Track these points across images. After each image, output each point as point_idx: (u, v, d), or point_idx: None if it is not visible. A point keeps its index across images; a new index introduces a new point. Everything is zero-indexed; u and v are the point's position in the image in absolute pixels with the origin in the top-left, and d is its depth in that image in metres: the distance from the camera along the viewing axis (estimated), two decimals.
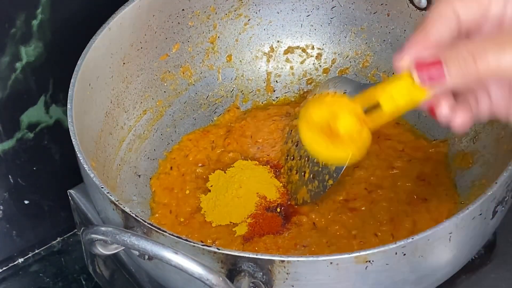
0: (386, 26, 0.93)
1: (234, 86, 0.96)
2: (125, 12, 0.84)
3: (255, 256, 0.64)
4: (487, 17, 0.57)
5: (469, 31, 0.57)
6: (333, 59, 0.97)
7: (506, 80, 0.56)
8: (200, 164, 0.89)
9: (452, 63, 0.54)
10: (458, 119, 0.57)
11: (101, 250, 0.66)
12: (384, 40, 0.94)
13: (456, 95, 0.58)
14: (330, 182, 0.84)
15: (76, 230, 1.00)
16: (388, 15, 0.92)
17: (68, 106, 0.76)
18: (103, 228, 0.65)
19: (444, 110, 0.57)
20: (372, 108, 0.60)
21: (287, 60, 0.97)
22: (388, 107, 0.59)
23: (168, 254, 0.62)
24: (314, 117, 0.62)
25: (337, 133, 0.61)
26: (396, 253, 0.65)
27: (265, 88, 0.97)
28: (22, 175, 0.94)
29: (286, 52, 0.97)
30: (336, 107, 0.61)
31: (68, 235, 1.02)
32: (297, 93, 0.97)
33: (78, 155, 0.73)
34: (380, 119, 0.60)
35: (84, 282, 0.98)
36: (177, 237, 0.65)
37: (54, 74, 0.90)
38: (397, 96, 0.58)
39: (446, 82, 0.54)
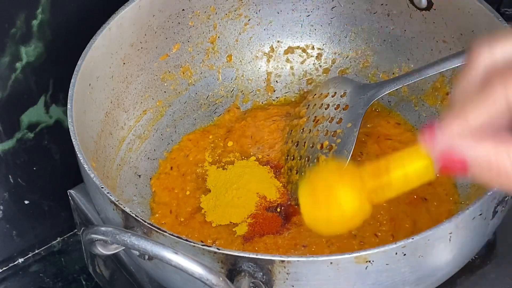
0: (386, 26, 0.93)
1: (234, 86, 0.96)
2: (125, 12, 0.84)
3: (255, 256, 0.64)
4: None
5: None
6: (333, 59, 0.97)
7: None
8: (200, 164, 0.89)
9: (475, 167, 0.51)
10: None
11: (101, 250, 0.66)
12: (384, 40, 0.94)
13: None
14: None
15: (76, 230, 1.00)
16: (388, 15, 0.92)
17: (68, 106, 0.76)
18: (103, 228, 0.65)
19: None
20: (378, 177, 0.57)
21: (287, 60, 0.97)
22: (398, 185, 0.56)
23: (168, 254, 0.62)
24: (317, 186, 0.59)
25: (337, 206, 0.58)
26: (396, 253, 0.65)
27: (265, 88, 0.97)
28: (22, 175, 0.94)
29: (286, 52, 0.97)
30: (340, 181, 0.58)
31: (68, 235, 1.02)
32: (297, 93, 0.97)
33: (78, 155, 0.73)
34: (385, 194, 0.57)
35: (84, 282, 0.98)
36: (177, 237, 0.65)
37: (54, 74, 0.90)
38: (411, 174, 0.55)
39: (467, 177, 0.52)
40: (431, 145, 0.53)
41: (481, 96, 0.51)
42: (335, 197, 0.57)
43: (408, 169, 0.54)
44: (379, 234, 0.82)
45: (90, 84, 0.81)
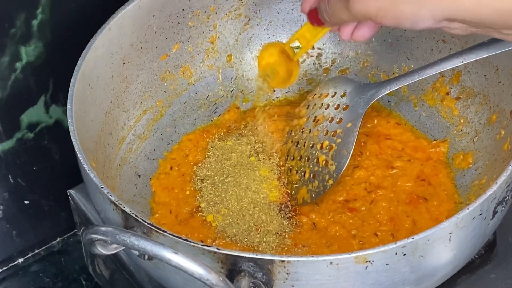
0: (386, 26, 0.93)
1: (234, 86, 0.96)
2: (125, 12, 0.84)
3: (255, 256, 0.64)
4: None
5: None
6: (333, 59, 0.97)
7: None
8: (200, 164, 0.89)
9: (320, 12, 0.72)
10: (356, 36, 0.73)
11: (101, 250, 0.66)
12: (384, 40, 0.94)
13: None
14: (330, 182, 0.84)
15: (76, 230, 1.00)
16: None
17: (68, 106, 0.76)
18: (103, 228, 0.65)
19: (343, 34, 0.73)
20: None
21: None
22: (303, 43, 0.80)
23: (168, 254, 0.62)
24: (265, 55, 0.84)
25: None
26: (396, 253, 0.65)
27: None
28: (22, 175, 0.94)
29: None
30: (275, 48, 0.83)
31: (68, 235, 1.02)
32: (297, 93, 0.97)
33: (78, 155, 0.73)
34: (300, 52, 0.81)
35: (84, 282, 0.98)
36: (177, 237, 0.65)
37: (54, 74, 0.90)
38: (306, 34, 0.79)
39: (324, 24, 0.73)
40: (303, 10, 0.76)
41: None
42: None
43: (304, 31, 0.79)
44: (379, 234, 0.82)
45: (90, 84, 0.81)
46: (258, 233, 0.83)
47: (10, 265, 0.99)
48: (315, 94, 0.92)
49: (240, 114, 0.95)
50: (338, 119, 0.87)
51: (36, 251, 1.00)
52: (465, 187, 0.85)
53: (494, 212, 0.71)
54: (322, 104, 0.90)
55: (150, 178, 0.89)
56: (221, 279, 0.62)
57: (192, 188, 0.88)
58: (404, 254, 0.65)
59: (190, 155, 0.91)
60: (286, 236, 0.83)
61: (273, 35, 0.96)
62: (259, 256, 0.64)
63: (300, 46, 0.80)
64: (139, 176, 0.88)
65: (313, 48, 0.97)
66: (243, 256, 0.64)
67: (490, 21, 0.62)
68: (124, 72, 0.87)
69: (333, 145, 0.86)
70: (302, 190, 0.86)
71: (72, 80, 0.78)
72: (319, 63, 0.97)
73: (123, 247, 0.65)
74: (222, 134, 0.93)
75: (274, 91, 0.97)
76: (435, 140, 0.90)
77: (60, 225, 1.01)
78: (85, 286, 0.98)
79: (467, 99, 0.88)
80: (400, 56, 0.93)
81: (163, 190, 0.88)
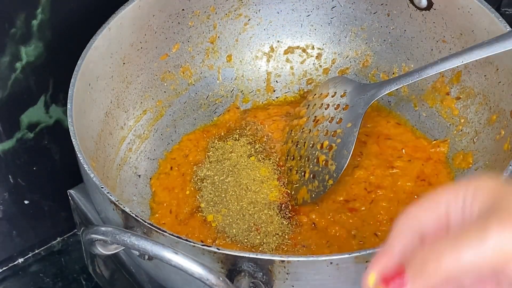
0: (386, 26, 0.93)
1: (234, 86, 0.96)
2: (125, 12, 0.84)
3: (255, 256, 0.64)
4: (449, 222, 0.54)
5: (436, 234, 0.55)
6: (333, 59, 0.97)
7: (478, 275, 0.53)
8: (200, 164, 0.89)
9: (411, 270, 0.52)
10: None
11: (101, 250, 0.67)
12: (384, 40, 0.94)
13: None
14: (330, 182, 0.84)
15: (76, 230, 1.00)
16: (388, 15, 0.92)
17: (68, 106, 0.76)
18: (103, 228, 0.65)
19: None
20: None
21: (287, 60, 0.97)
22: None
23: (168, 254, 0.62)
24: None
25: None
26: None
27: (265, 88, 0.97)
28: (22, 175, 0.94)
29: (286, 52, 0.97)
30: None
31: (68, 235, 1.02)
32: (297, 93, 0.97)
33: (78, 155, 0.73)
34: None
35: (84, 282, 0.98)
36: (177, 237, 0.65)
37: (54, 74, 0.90)
38: None
39: None
40: (370, 279, 0.54)
41: (396, 227, 0.55)
42: None
43: None
44: (379, 234, 0.82)
45: (90, 84, 0.81)
46: (258, 233, 0.83)
47: (10, 265, 0.99)
48: (315, 94, 0.92)
49: (240, 114, 0.95)
50: (338, 119, 0.87)
51: (36, 251, 1.00)
52: None
53: None
54: (322, 104, 0.90)
55: (150, 178, 0.89)
56: (221, 279, 0.62)
57: (192, 188, 0.88)
58: None
59: (190, 155, 0.91)
60: (286, 236, 0.83)
61: (273, 35, 0.96)
62: (259, 256, 0.64)
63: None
64: (139, 176, 0.88)
65: (313, 48, 0.97)
66: (243, 256, 0.64)
67: None
68: (124, 72, 0.87)
69: (333, 145, 0.86)
70: (302, 190, 0.86)
71: (72, 80, 0.78)
72: (319, 63, 0.97)
73: (123, 247, 0.65)
74: (222, 134, 0.93)
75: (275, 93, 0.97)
76: (435, 140, 0.90)
77: (60, 225, 1.01)
78: (85, 286, 0.98)
79: (467, 99, 0.88)
80: (400, 56, 0.93)
81: (163, 190, 0.88)
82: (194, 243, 0.65)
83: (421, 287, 0.52)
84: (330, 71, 0.97)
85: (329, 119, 0.88)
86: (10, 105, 0.88)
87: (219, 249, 0.64)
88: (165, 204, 0.86)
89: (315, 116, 0.89)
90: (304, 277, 0.65)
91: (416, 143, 0.90)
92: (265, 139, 0.92)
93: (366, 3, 0.93)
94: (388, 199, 0.84)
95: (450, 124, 0.90)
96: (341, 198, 0.85)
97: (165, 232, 0.66)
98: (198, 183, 0.88)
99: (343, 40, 0.96)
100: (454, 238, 0.51)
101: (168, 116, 0.93)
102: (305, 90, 0.97)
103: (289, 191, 0.87)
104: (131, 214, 0.68)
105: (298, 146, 0.89)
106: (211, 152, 0.91)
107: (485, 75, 0.86)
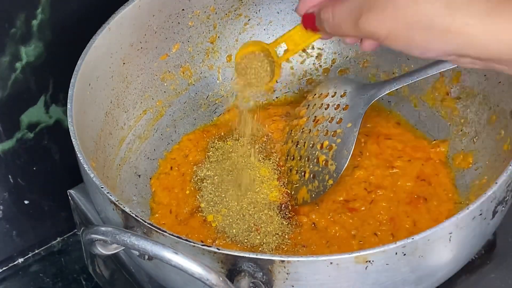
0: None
1: None
2: (125, 12, 0.84)
3: (255, 256, 0.64)
4: None
5: None
6: (333, 59, 0.97)
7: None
8: (200, 164, 0.89)
9: (319, 20, 0.68)
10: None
11: (101, 250, 0.66)
12: None
13: None
14: (330, 182, 0.84)
15: (76, 230, 1.00)
16: None
17: (68, 106, 0.76)
18: (103, 228, 0.65)
19: (345, 42, 0.72)
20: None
21: (287, 60, 0.97)
22: (291, 46, 0.75)
23: (168, 254, 0.62)
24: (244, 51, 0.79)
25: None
26: (396, 253, 0.65)
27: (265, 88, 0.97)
28: (22, 175, 0.94)
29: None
30: (257, 47, 0.79)
31: (68, 235, 1.02)
32: (297, 93, 0.97)
33: (78, 155, 0.73)
34: (286, 55, 0.77)
35: (84, 282, 0.98)
36: (177, 237, 0.65)
37: (54, 74, 0.90)
38: (296, 37, 0.75)
39: (320, 33, 0.70)
40: (299, 12, 0.73)
41: None
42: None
43: (293, 34, 0.75)
44: (379, 234, 0.82)
45: (90, 84, 0.81)
46: (258, 233, 0.83)
47: (10, 265, 0.99)
48: (315, 94, 0.92)
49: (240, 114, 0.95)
50: (338, 119, 0.87)
51: (36, 251, 1.00)
52: (465, 187, 0.85)
53: (494, 212, 0.71)
54: (322, 104, 0.90)
55: (150, 178, 0.89)
56: (221, 279, 0.62)
57: (192, 188, 0.88)
58: (404, 254, 0.65)
59: (190, 155, 0.91)
60: (286, 236, 0.83)
61: (273, 35, 0.96)
62: (259, 256, 0.64)
63: (287, 48, 0.76)
64: (139, 176, 0.88)
65: (313, 48, 0.97)
66: (243, 256, 0.64)
67: (497, 55, 0.60)
68: (124, 72, 0.87)
69: (333, 145, 0.86)
70: (302, 190, 0.86)
71: (72, 80, 0.78)
72: (319, 63, 0.97)
73: (123, 247, 0.65)
74: (222, 134, 0.93)
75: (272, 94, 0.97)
76: (435, 140, 0.90)
77: (60, 225, 1.01)
78: (85, 286, 0.98)
79: (467, 99, 0.88)
80: (400, 56, 0.93)
81: (163, 190, 0.88)
82: (194, 243, 0.65)
83: (328, 33, 0.69)
84: (330, 71, 0.97)
85: (329, 119, 0.88)
86: (10, 105, 0.88)
87: (219, 249, 0.64)
88: (165, 204, 0.86)
89: (315, 116, 0.89)
90: (304, 277, 0.65)
91: (416, 143, 0.90)
92: (265, 139, 0.92)
93: None
94: (388, 199, 0.84)
95: (450, 124, 0.90)
96: (341, 198, 0.85)
97: (165, 232, 0.66)
98: (198, 183, 0.88)
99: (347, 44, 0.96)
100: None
101: (168, 116, 0.93)
102: (305, 90, 0.97)
103: (289, 191, 0.87)
104: (131, 214, 0.68)
105: (298, 146, 0.89)
106: (211, 152, 0.91)
107: (485, 75, 0.86)
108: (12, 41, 0.84)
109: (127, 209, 0.68)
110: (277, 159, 0.89)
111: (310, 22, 0.71)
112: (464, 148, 0.87)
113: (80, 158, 0.73)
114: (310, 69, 0.97)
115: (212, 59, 0.95)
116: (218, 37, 0.95)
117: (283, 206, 0.85)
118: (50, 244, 1.01)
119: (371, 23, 0.62)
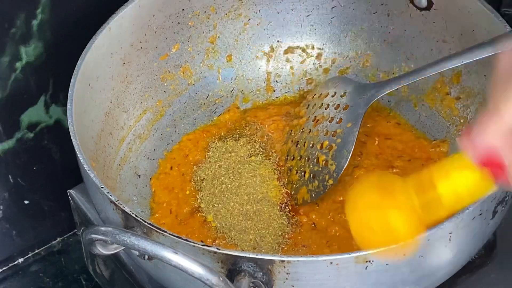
0: (386, 26, 0.93)
1: (234, 86, 0.96)
2: (125, 12, 0.84)
3: (255, 256, 0.64)
4: None
5: None
6: (333, 59, 0.97)
7: None
8: (200, 164, 0.89)
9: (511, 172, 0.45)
10: None
11: (101, 250, 0.66)
12: (384, 40, 0.94)
13: None
14: (330, 182, 0.84)
15: (76, 230, 1.00)
16: (388, 15, 0.92)
17: (68, 106, 0.76)
18: (103, 228, 0.65)
19: None
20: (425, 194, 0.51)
21: (287, 60, 0.97)
22: (449, 201, 0.51)
23: (168, 254, 0.62)
24: (363, 201, 0.56)
25: (390, 232, 0.55)
26: (396, 253, 0.65)
27: (265, 88, 0.97)
28: (22, 175, 0.94)
29: (286, 52, 0.97)
30: (392, 205, 0.54)
31: (68, 235, 1.02)
32: (297, 93, 0.97)
33: (78, 155, 0.73)
34: (438, 214, 0.52)
35: (84, 282, 0.98)
36: (177, 237, 0.65)
37: (54, 74, 0.90)
38: (462, 189, 0.49)
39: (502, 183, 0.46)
40: (470, 149, 0.46)
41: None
42: (388, 223, 0.54)
43: (455, 179, 0.48)
44: None
45: (90, 84, 0.81)
46: (258, 233, 0.83)
47: (10, 265, 0.99)
48: (315, 94, 0.92)
49: (240, 114, 0.95)
50: (338, 119, 0.87)
51: (36, 251, 1.00)
52: None
53: (494, 212, 0.71)
54: (322, 104, 0.90)
55: (150, 178, 0.89)
56: (221, 279, 0.62)
57: (192, 188, 0.88)
58: (404, 254, 0.65)
59: (190, 155, 0.91)
60: (286, 236, 0.83)
61: (273, 35, 0.96)
62: (259, 256, 0.64)
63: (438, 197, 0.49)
64: (139, 176, 0.88)
65: (313, 48, 0.97)
66: (243, 256, 0.64)
67: None
68: (124, 72, 0.87)
69: (333, 145, 0.86)
70: (302, 190, 0.86)
71: (72, 80, 0.78)
72: (319, 63, 0.97)
73: (123, 247, 0.65)
74: (222, 134, 0.93)
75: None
76: (435, 140, 0.90)
77: (60, 225, 1.00)
78: (85, 286, 0.98)
79: (467, 99, 0.88)
80: (400, 56, 0.93)
81: (163, 190, 0.88)
82: (194, 243, 0.65)
83: None
84: (330, 71, 0.97)
85: (329, 119, 0.88)
86: (10, 105, 0.88)
87: (219, 249, 0.64)
88: (165, 204, 0.86)
89: (315, 116, 0.89)
90: (304, 277, 0.65)
91: (416, 143, 0.90)
92: (265, 139, 0.92)
93: (366, 3, 0.93)
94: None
95: (450, 124, 0.90)
96: (341, 198, 0.85)
97: (165, 232, 0.66)
98: (198, 183, 0.88)
99: (343, 40, 0.96)
100: None
101: (168, 116, 0.93)
102: (305, 90, 0.97)
103: (289, 191, 0.87)
104: (131, 214, 0.68)
105: (298, 146, 0.89)
106: (211, 152, 0.90)
107: (485, 75, 0.86)
108: (12, 41, 0.84)
109: (127, 209, 0.68)
110: (277, 159, 0.89)
111: (497, 168, 0.46)
112: None
113: (80, 158, 0.73)
114: (310, 69, 0.97)
115: (212, 59, 0.95)
116: (218, 37, 0.95)
117: (283, 206, 0.85)
118: (50, 244, 1.01)
119: None
